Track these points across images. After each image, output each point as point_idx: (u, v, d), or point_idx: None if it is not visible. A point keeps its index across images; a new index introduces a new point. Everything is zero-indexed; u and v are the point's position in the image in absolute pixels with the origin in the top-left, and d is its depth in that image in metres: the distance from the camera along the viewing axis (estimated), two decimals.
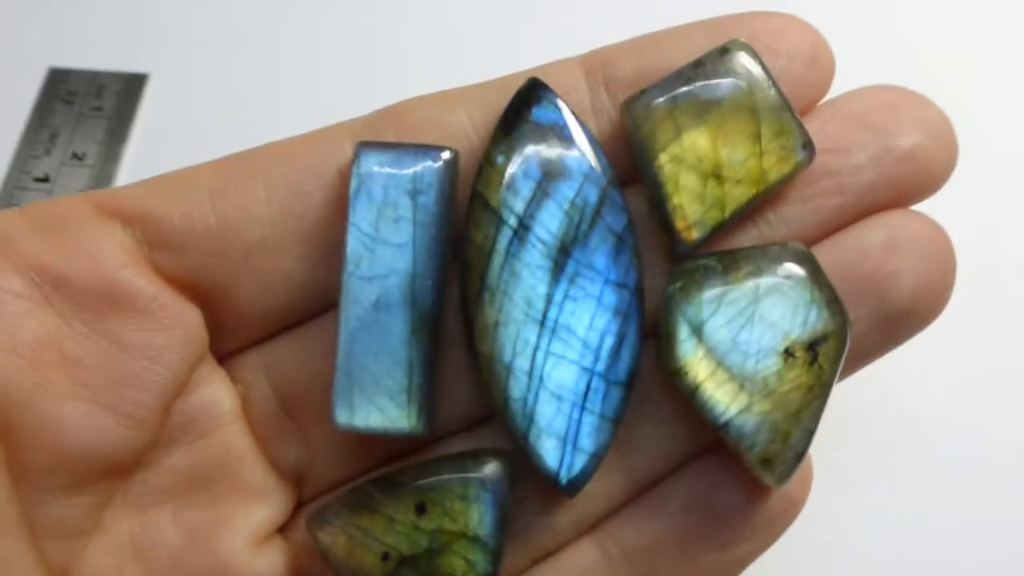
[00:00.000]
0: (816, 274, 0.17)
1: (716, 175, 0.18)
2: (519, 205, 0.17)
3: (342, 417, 0.18)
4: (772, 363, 0.17)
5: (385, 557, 0.17)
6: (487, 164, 0.18)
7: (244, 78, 0.32)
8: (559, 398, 0.17)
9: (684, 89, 0.18)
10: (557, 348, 0.17)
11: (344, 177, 0.18)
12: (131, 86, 0.32)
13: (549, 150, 0.18)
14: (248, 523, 0.19)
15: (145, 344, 0.18)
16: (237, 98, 0.32)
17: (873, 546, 0.26)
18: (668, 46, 0.19)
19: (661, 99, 0.18)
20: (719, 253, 0.18)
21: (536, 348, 0.17)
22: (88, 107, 0.31)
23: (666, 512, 0.19)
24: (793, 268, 0.17)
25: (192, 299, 0.19)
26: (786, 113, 0.18)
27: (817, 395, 0.17)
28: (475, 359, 0.18)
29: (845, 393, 0.20)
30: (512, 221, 0.17)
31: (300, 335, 0.20)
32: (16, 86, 0.32)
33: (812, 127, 0.19)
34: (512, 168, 0.18)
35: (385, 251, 0.18)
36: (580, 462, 0.18)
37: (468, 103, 0.19)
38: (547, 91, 0.18)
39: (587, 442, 0.18)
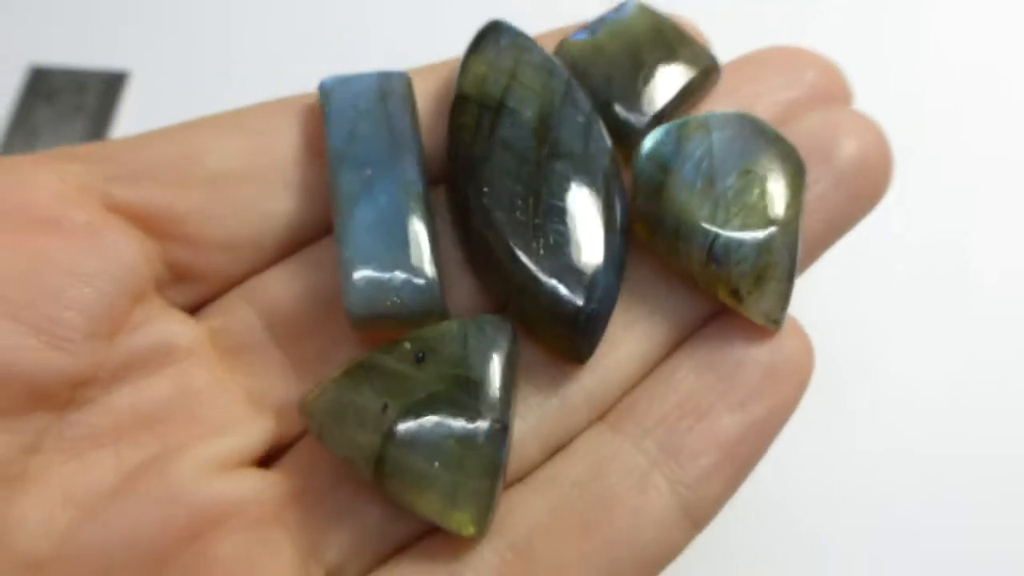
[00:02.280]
0: (762, 123, 0.19)
1: (647, 76, 0.20)
2: (499, 88, 0.19)
3: (356, 307, 0.17)
4: (739, 182, 0.18)
5: (384, 408, 0.16)
6: (464, 71, 0.19)
7: (225, 76, 0.33)
8: (567, 239, 0.18)
9: (601, 28, 0.21)
10: (556, 197, 0.18)
11: (313, 114, 0.19)
12: (112, 84, 0.33)
13: (519, 54, 0.20)
14: (205, 454, 0.17)
15: (72, 263, 0.17)
16: (218, 96, 0.32)
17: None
18: None
19: (585, 35, 0.21)
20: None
21: (537, 197, 0.18)
22: (69, 105, 0.32)
23: (676, 380, 0.18)
24: (742, 120, 0.19)
25: (149, 232, 0.18)
26: (684, 33, 0.21)
27: (789, 204, 0.18)
28: (470, 243, 0.18)
29: None
30: (492, 104, 0.19)
31: (284, 265, 0.19)
32: None
33: (728, 74, 0.21)
34: (489, 71, 0.19)
35: (364, 145, 0.18)
36: (598, 290, 0.17)
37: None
38: (510, 25, 0.20)
39: (601, 280, 0.17)
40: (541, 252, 0.17)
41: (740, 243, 0.17)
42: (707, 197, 0.18)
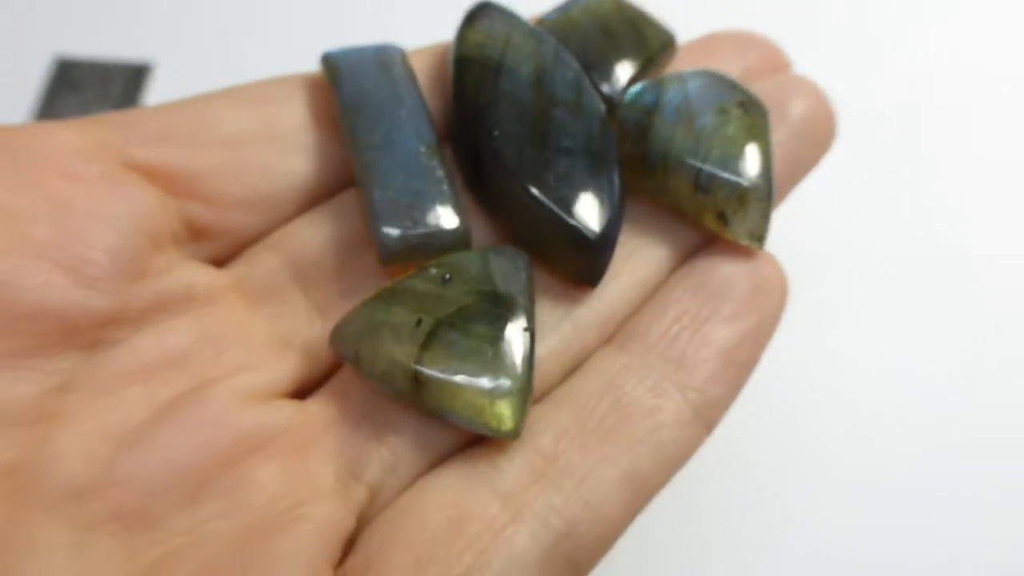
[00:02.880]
0: (727, 76, 0.21)
1: (617, 45, 0.23)
2: (496, 52, 0.21)
3: (389, 242, 0.18)
4: (715, 119, 0.20)
5: (419, 323, 0.17)
6: (461, 39, 0.21)
7: (249, 68, 0.32)
8: (575, 172, 0.19)
9: (574, 6, 0.23)
10: (560, 138, 0.20)
11: (318, 86, 0.21)
12: (136, 76, 0.33)
13: (509, 25, 0.22)
14: (238, 385, 0.18)
15: (94, 207, 0.17)
16: None
17: None
18: None
19: (559, 13, 0.23)
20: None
21: (543, 138, 0.19)
22: (94, 96, 0.33)
23: (673, 299, 0.20)
24: (710, 73, 0.21)
25: (167, 190, 0.19)
26: (644, 13, 0.23)
27: (760, 136, 0.20)
28: (483, 184, 0.20)
29: None
30: (492, 64, 0.21)
31: (307, 215, 0.20)
32: (23, 74, 0.33)
33: (684, 53, 0.24)
34: (486, 38, 0.21)
35: (375, 102, 0.20)
36: (606, 217, 0.19)
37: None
38: (498, 5, 0.22)
39: (609, 207, 0.19)
40: (553, 184, 0.19)
41: (723, 170, 0.20)
42: (689, 133, 0.20)
